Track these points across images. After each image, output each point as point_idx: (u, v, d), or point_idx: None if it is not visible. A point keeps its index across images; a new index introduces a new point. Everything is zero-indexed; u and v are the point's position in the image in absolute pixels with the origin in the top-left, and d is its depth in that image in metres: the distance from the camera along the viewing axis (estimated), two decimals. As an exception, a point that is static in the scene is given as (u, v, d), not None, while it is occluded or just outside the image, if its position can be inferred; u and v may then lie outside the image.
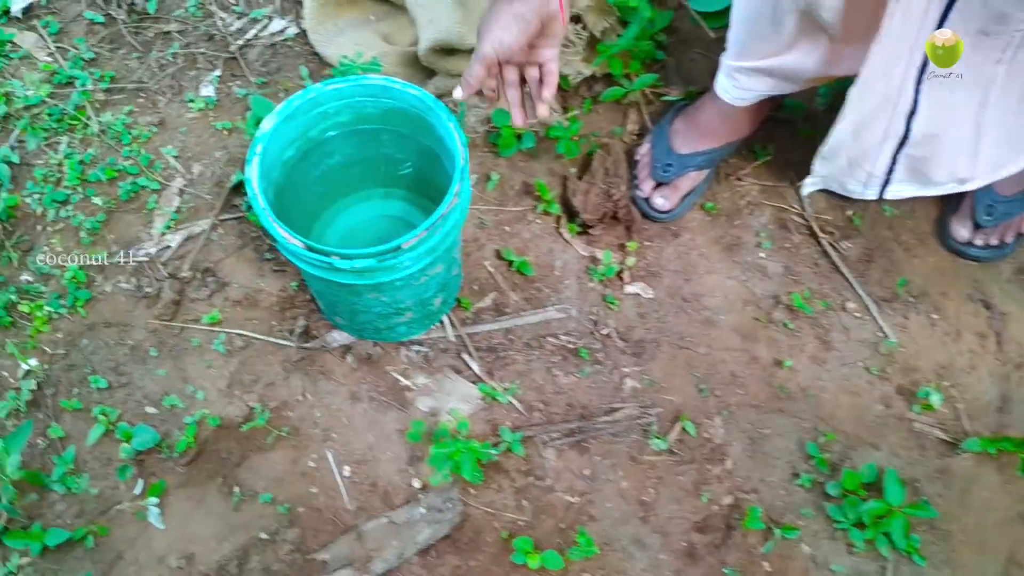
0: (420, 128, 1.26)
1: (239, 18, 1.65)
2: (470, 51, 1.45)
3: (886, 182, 1.37)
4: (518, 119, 1.18)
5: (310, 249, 1.10)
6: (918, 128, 1.24)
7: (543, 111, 1.14)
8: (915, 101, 1.20)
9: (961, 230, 1.47)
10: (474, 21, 1.43)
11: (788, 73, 1.28)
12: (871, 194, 1.41)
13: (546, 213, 1.49)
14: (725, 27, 1.61)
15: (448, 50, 1.44)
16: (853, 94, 1.23)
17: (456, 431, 1.30)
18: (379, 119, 1.28)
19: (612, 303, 1.42)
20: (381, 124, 1.29)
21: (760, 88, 1.34)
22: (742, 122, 1.45)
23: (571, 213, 1.48)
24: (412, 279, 1.19)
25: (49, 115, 1.54)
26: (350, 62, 1.42)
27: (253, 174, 1.15)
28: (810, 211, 1.50)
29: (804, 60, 1.24)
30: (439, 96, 1.49)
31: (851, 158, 1.36)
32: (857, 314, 1.44)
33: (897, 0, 1.05)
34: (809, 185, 1.45)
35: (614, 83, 1.57)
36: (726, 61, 1.35)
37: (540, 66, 1.13)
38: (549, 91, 1.13)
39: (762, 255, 1.48)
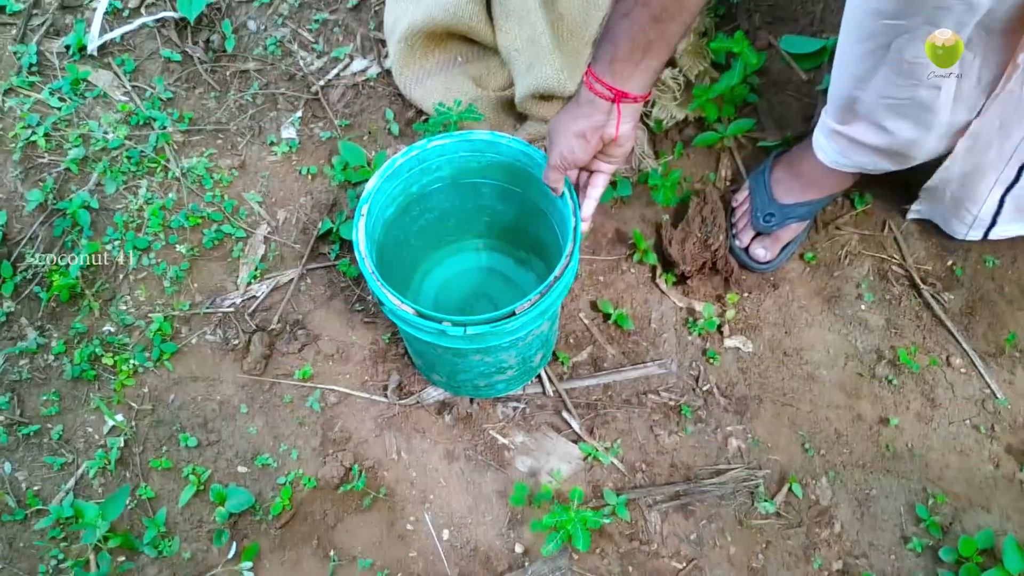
0: (524, 182, 1.23)
1: (319, 57, 1.60)
2: (568, 98, 1.41)
3: (992, 223, 1.33)
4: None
5: (421, 315, 1.06)
6: None
7: (583, 226, 1.12)
8: None
9: (1068, 281, 1.42)
10: (574, 67, 1.39)
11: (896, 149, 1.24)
12: (975, 235, 1.37)
13: (641, 262, 1.45)
14: (818, 68, 1.58)
15: (545, 96, 1.40)
16: (962, 146, 1.19)
17: (566, 497, 1.26)
18: (480, 173, 1.24)
19: (713, 357, 1.38)
20: (482, 177, 1.25)
21: (863, 162, 1.29)
22: (848, 175, 1.40)
23: (667, 262, 1.44)
24: (519, 340, 1.16)
25: (128, 158, 1.50)
26: (447, 109, 1.38)
27: (360, 237, 1.11)
28: (911, 261, 1.46)
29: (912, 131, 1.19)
30: (532, 141, 1.45)
31: (956, 197, 1.32)
32: (963, 370, 1.40)
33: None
34: (914, 212, 1.41)
35: (705, 127, 1.53)
36: (826, 120, 1.29)
37: (590, 174, 1.13)
38: (588, 205, 1.14)
39: (863, 307, 1.43)
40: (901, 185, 1.46)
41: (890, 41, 1.05)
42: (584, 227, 1.13)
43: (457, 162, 1.21)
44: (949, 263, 1.47)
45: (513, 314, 1.06)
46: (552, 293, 1.08)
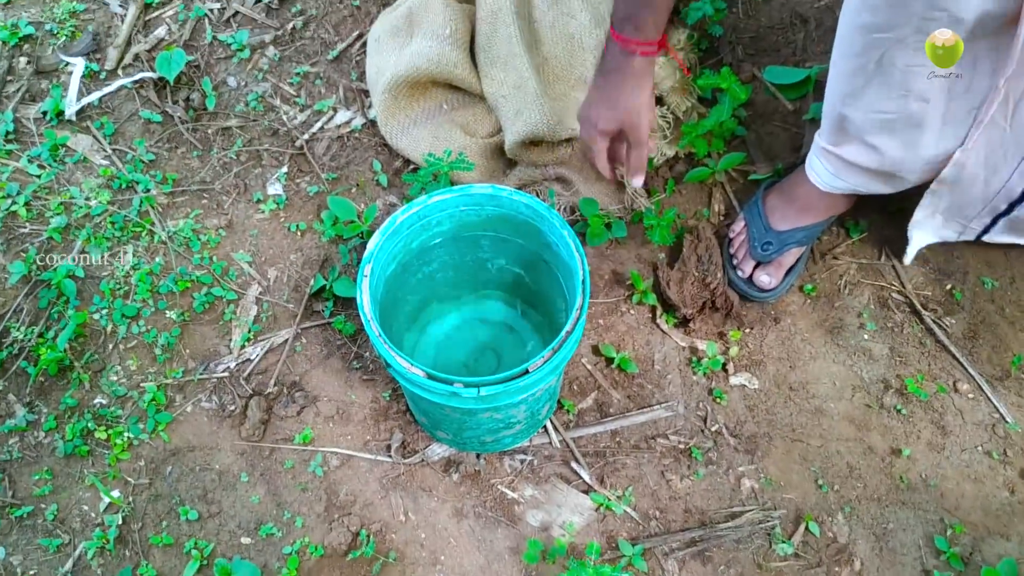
0: (526, 234, 1.21)
1: (302, 111, 1.58)
2: (557, 142, 1.40)
3: (984, 232, 1.32)
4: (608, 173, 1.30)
5: (432, 377, 1.04)
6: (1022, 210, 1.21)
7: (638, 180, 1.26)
8: None
9: (1069, 300, 1.42)
10: (561, 112, 1.38)
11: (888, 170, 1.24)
12: (967, 238, 1.36)
13: (640, 303, 1.43)
14: (803, 97, 1.58)
15: (534, 141, 1.39)
16: (948, 173, 1.18)
17: (580, 551, 1.23)
18: (481, 226, 1.22)
19: (719, 396, 1.36)
20: (483, 230, 1.23)
21: (856, 183, 1.29)
22: (842, 198, 1.40)
23: (666, 303, 1.42)
24: (530, 396, 1.13)
25: (112, 223, 1.47)
26: (437, 160, 1.36)
27: (365, 299, 1.08)
28: (910, 287, 1.45)
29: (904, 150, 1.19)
30: (523, 186, 1.44)
31: (946, 218, 1.32)
32: (970, 395, 1.38)
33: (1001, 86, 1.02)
34: (909, 256, 1.40)
35: (696, 162, 1.52)
36: (819, 141, 1.29)
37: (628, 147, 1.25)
38: (638, 167, 1.25)
39: (866, 337, 1.42)
40: (896, 211, 1.46)
41: (880, 55, 1.07)
42: (638, 181, 1.26)
43: (458, 216, 1.19)
44: (948, 287, 1.46)
45: (526, 372, 1.04)
46: (564, 348, 1.06)
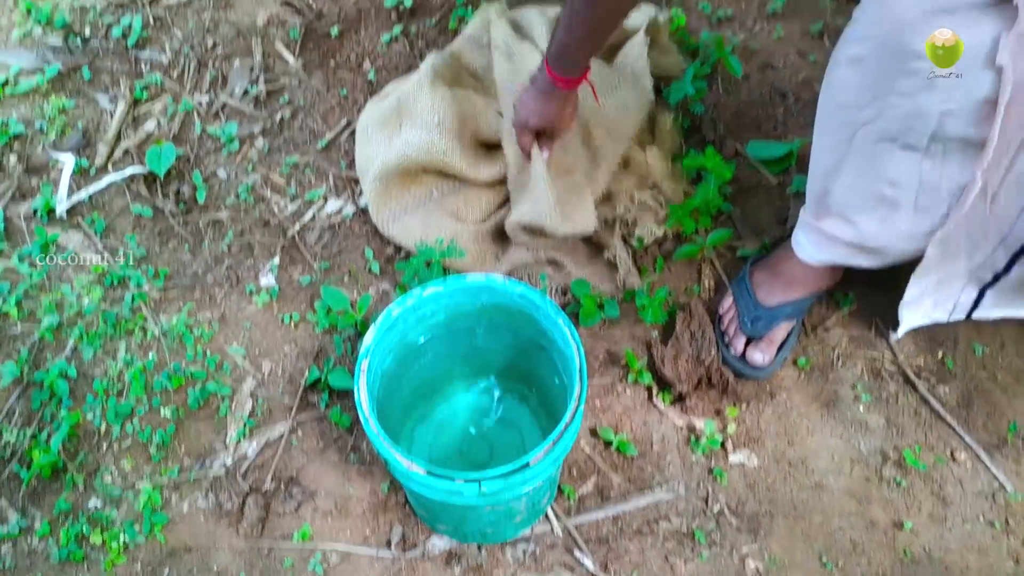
0: (521, 321, 1.21)
1: (293, 200, 1.60)
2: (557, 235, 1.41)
3: (974, 308, 1.33)
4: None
5: (432, 475, 1.03)
6: (1007, 283, 1.22)
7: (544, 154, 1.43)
8: (1007, 267, 1.18)
9: (1060, 365, 1.43)
10: (567, 208, 1.40)
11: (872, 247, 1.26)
12: (957, 317, 1.37)
13: (636, 382, 1.43)
14: (786, 171, 1.61)
15: (535, 229, 1.40)
16: (932, 252, 1.20)
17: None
18: (476, 315, 1.23)
19: (719, 476, 1.36)
20: (477, 319, 1.24)
21: (838, 256, 1.30)
22: (827, 271, 1.42)
23: (662, 381, 1.43)
24: (532, 488, 1.12)
25: (104, 320, 1.47)
26: (429, 248, 1.37)
27: (363, 396, 1.08)
28: (902, 357, 1.46)
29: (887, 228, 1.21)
30: (512, 272, 1.45)
31: (934, 299, 1.33)
32: (969, 464, 1.38)
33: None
34: (899, 334, 1.41)
35: (684, 239, 1.54)
36: (804, 215, 1.31)
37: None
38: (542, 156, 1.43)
39: (862, 409, 1.43)
40: (887, 281, 1.47)
41: (852, 134, 1.09)
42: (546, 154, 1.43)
43: (452, 307, 1.20)
44: (940, 355, 1.47)
45: (527, 465, 1.04)
46: (564, 439, 1.06)
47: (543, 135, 1.44)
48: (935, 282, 1.29)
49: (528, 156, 1.43)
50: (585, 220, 1.43)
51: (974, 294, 1.30)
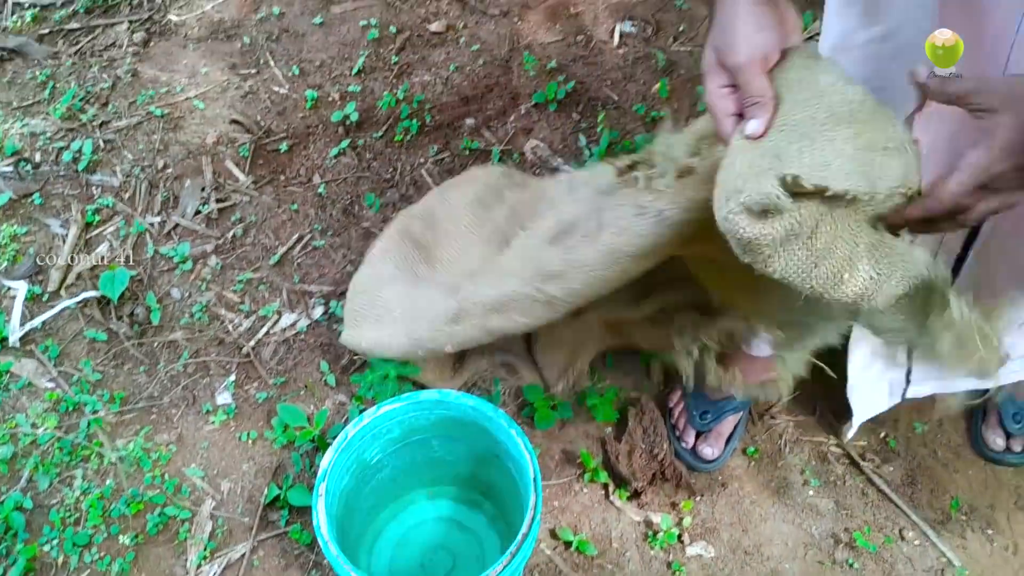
0: (475, 433, 1.25)
1: (247, 317, 1.62)
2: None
3: (907, 383, 1.39)
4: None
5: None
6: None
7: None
8: None
9: (995, 439, 1.49)
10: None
11: None
12: (894, 401, 1.42)
13: (592, 481, 1.46)
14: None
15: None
16: (857, 333, 1.26)
17: None
18: (431, 428, 1.26)
19: (678, 569, 1.38)
20: (431, 433, 1.27)
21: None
22: (771, 363, 1.47)
23: (618, 477, 1.46)
24: (494, 598, 1.14)
25: (60, 448, 1.47)
26: (386, 362, 1.40)
27: (322, 520, 1.10)
28: (846, 440, 1.52)
29: None
30: (470, 387, 1.48)
31: (878, 373, 1.38)
32: (916, 542, 1.43)
33: None
34: (854, 427, 1.45)
35: (631, 335, 1.59)
36: None
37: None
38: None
39: (811, 493, 1.47)
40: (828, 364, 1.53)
41: None
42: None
43: (407, 422, 1.23)
44: (882, 435, 1.53)
45: (486, 580, 1.06)
46: (523, 550, 1.08)
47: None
48: (869, 354, 1.34)
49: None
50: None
51: (904, 358, 1.35)
